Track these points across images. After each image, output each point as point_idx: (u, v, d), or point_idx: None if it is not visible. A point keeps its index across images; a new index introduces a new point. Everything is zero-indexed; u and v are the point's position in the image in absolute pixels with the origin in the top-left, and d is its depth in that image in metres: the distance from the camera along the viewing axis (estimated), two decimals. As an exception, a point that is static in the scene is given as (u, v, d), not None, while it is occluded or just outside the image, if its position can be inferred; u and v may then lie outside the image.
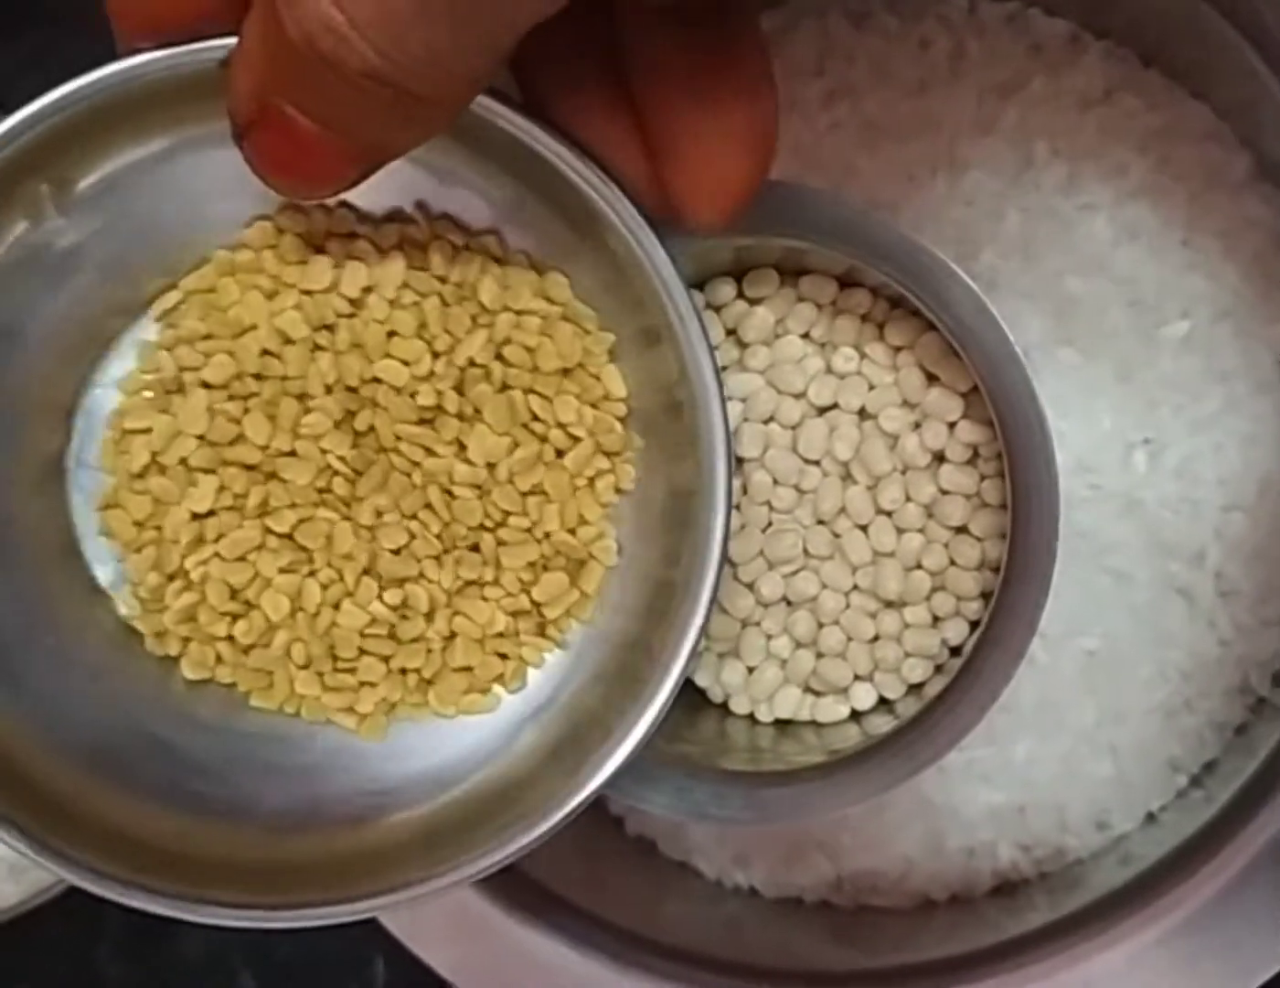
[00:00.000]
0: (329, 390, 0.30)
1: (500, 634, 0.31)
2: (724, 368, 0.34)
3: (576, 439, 0.30)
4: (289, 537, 0.30)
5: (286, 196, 0.27)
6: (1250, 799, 0.39)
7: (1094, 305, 0.40)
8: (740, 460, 0.34)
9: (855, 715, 0.35)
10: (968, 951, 0.39)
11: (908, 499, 0.33)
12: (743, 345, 0.34)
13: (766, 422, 0.34)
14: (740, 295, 0.34)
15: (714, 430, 0.29)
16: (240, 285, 0.30)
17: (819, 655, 0.34)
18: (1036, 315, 0.40)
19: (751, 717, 0.35)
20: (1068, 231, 0.40)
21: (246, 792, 0.31)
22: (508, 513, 0.30)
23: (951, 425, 0.33)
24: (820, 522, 0.34)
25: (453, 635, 0.31)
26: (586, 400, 0.30)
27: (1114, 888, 0.39)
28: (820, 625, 0.34)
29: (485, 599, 0.31)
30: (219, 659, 0.31)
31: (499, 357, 0.30)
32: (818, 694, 0.35)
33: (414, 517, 0.30)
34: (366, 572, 0.30)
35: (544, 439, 0.30)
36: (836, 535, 0.34)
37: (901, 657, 0.34)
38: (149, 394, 0.30)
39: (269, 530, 0.30)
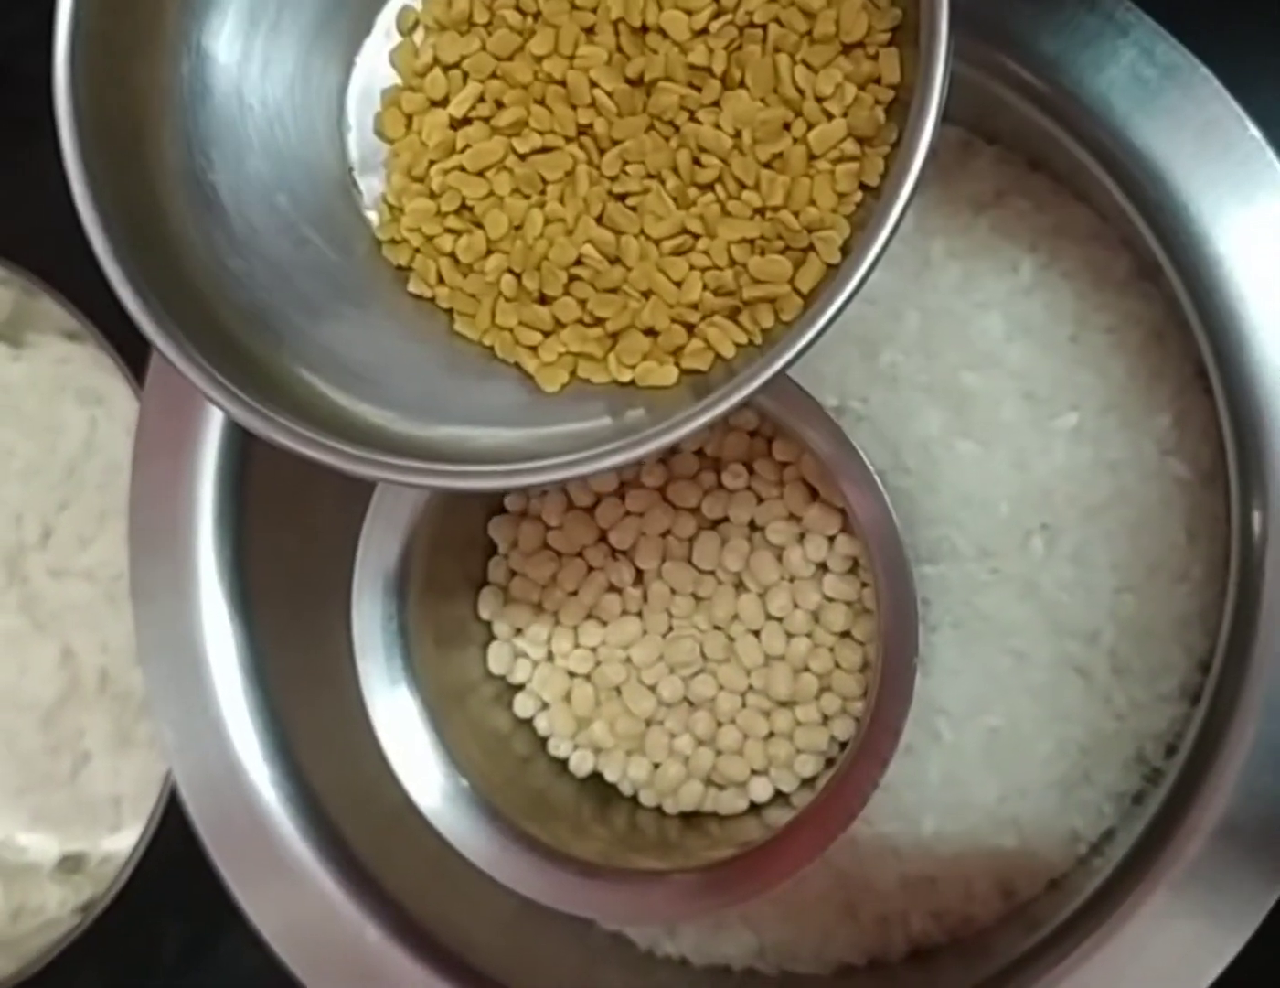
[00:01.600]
0: (614, 28, 0.31)
1: (694, 306, 0.31)
2: (623, 484, 0.36)
3: (830, 117, 0.30)
4: (530, 163, 0.31)
5: None
6: (1143, 857, 0.40)
7: (990, 398, 0.41)
8: (639, 572, 0.36)
9: (754, 808, 0.37)
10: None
11: (795, 606, 0.35)
12: (640, 463, 0.36)
13: (663, 535, 0.36)
14: (636, 415, 0.36)
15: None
16: None
17: (718, 752, 0.36)
18: (936, 408, 0.42)
19: (659, 810, 0.37)
20: (964, 328, 0.42)
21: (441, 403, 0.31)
22: (742, 185, 0.30)
23: (831, 538, 0.35)
24: (716, 627, 0.36)
25: (649, 293, 0.31)
26: (854, 80, 0.30)
27: (1020, 952, 0.41)
28: (719, 724, 0.36)
29: (692, 267, 0.31)
30: (440, 279, 0.32)
31: (778, 20, 0.30)
32: (720, 787, 0.37)
33: (656, 175, 0.31)
34: (591, 213, 0.31)
35: (798, 112, 0.30)
36: (731, 639, 0.36)
37: (794, 753, 0.36)
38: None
39: (513, 151, 0.31)
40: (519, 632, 0.39)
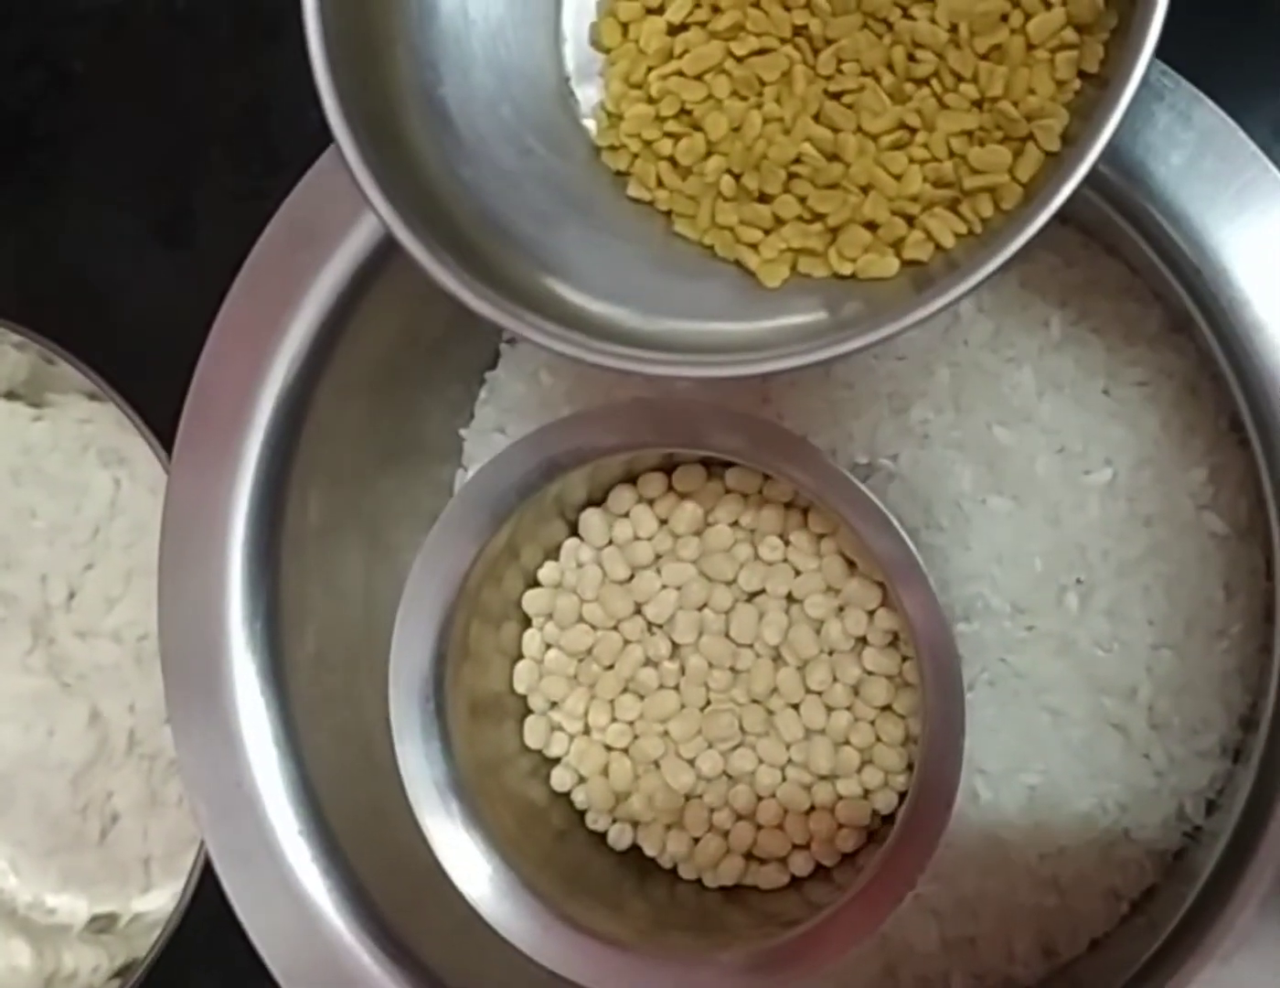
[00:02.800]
0: None
1: (914, 198, 0.31)
2: (659, 556, 0.36)
3: (1049, 6, 0.30)
4: (747, 65, 0.32)
5: None
6: (1195, 924, 0.40)
7: (1022, 454, 0.41)
8: (676, 646, 0.36)
9: (795, 882, 0.36)
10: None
11: (835, 680, 0.35)
12: (675, 536, 0.36)
13: (700, 608, 0.36)
14: (670, 489, 0.36)
15: None
16: None
17: (758, 827, 0.36)
18: (968, 465, 0.41)
19: (699, 883, 0.37)
20: (995, 384, 0.41)
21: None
22: (959, 77, 0.30)
23: (871, 612, 0.34)
24: (754, 700, 0.36)
25: (868, 188, 0.31)
26: None
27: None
28: (759, 798, 0.36)
29: (911, 160, 0.31)
30: (659, 182, 0.33)
31: None
32: (761, 861, 0.37)
33: (871, 73, 0.31)
34: (809, 112, 0.31)
35: (1016, 3, 0.30)
36: (770, 713, 0.36)
37: (835, 828, 0.36)
38: None
39: (731, 54, 0.32)
40: (555, 705, 0.39)
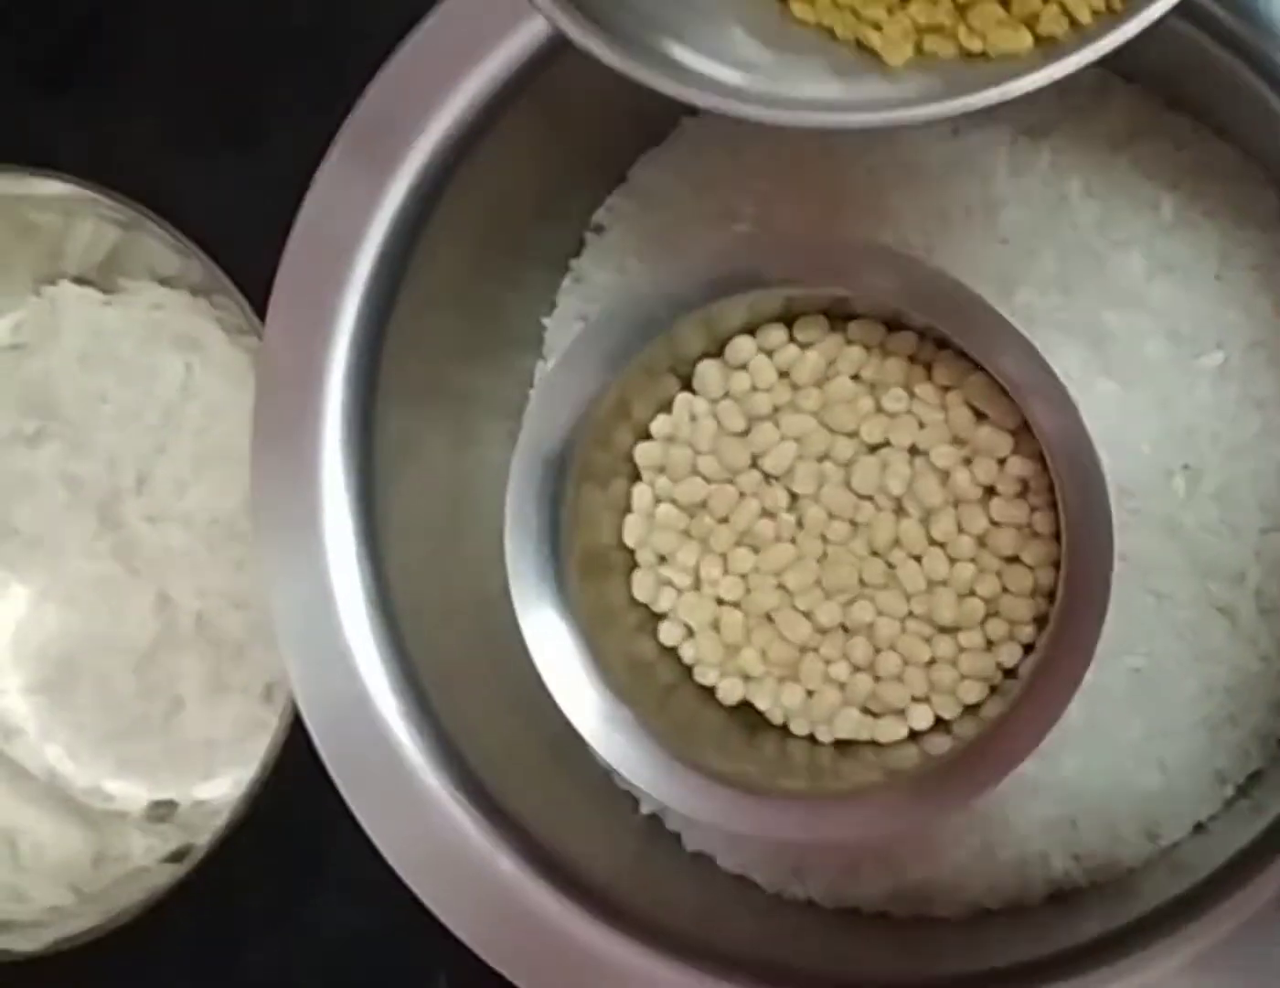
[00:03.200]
0: None
1: None
2: (777, 409, 0.36)
3: None
4: None
5: None
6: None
7: (1132, 337, 0.41)
8: (795, 496, 0.35)
9: (913, 735, 0.36)
10: (1025, 960, 0.40)
11: (960, 530, 0.35)
12: (795, 388, 0.36)
13: (820, 459, 0.35)
14: (791, 339, 0.36)
15: None
16: None
17: (877, 678, 0.36)
18: (1075, 347, 0.41)
19: (811, 737, 0.36)
20: (1103, 267, 0.41)
21: None
22: None
23: (1001, 461, 0.34)
24: (874, 553, 0.35)
25: None
26: None
27: (1167, 898, 0.40)
28: (877, 650, 0.35)
29: None
30: None
31: None
32: (876, 715, 0.36)
33: None
34: None
35: None
36: (891, 566, 0.35)
37: (958, 679, 0.35)
38: None
39: None
40: (663, 560, 0.38)
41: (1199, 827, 0.42)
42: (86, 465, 0.52)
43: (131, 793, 0.53)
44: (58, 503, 0.52)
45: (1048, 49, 0.29)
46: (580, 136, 0.44)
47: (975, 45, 0.29)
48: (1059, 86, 0.42)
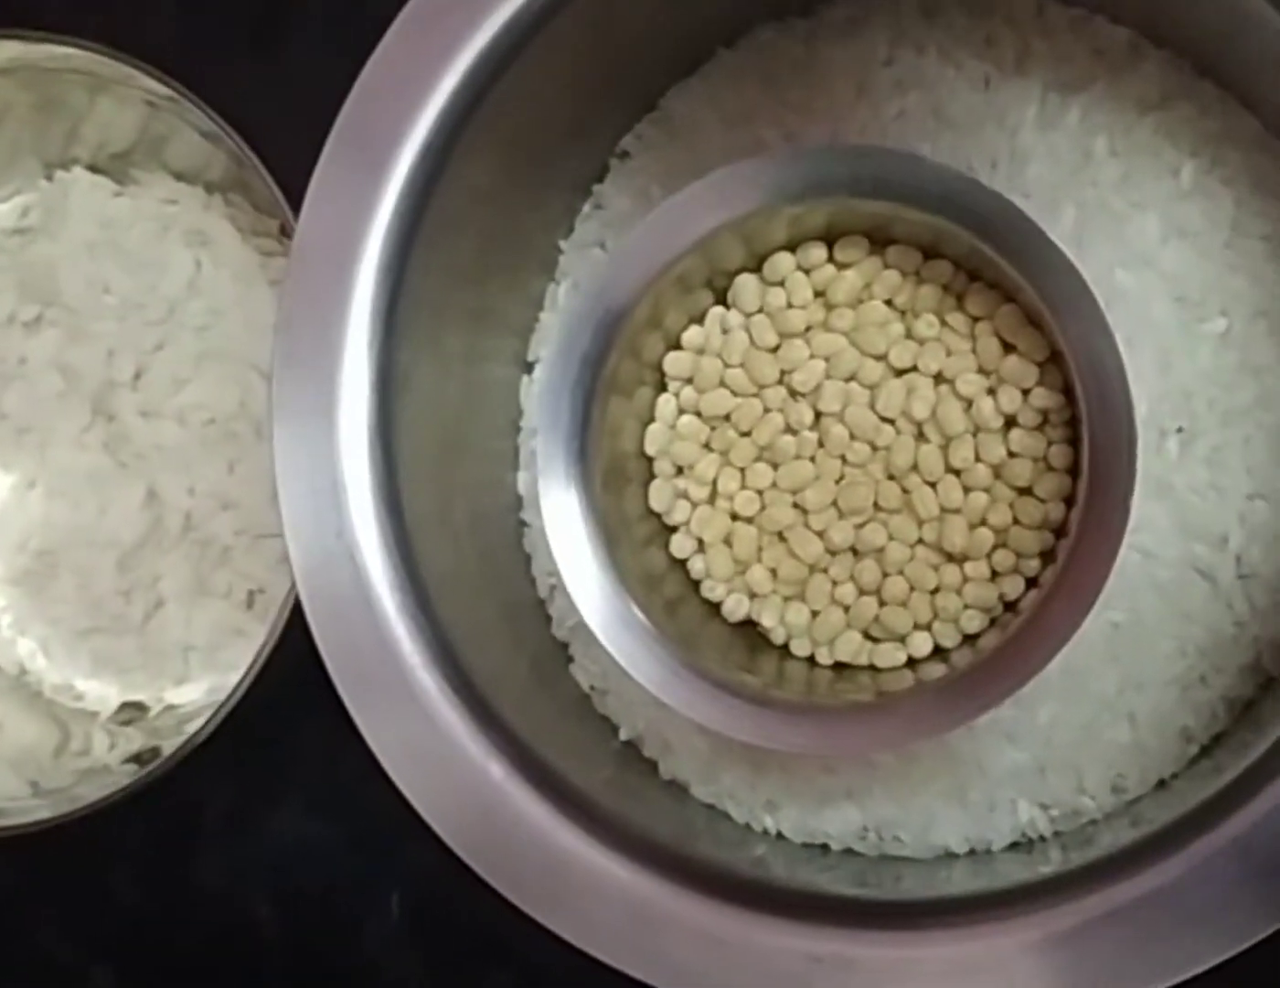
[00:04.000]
0: None
1: None
2: (809, 328, 0.36)
3: None
4: None
5: None
6: (1258, 775, 0.41)
7: (1140, 298, 0.42)
8: (819, 414, 0.36)
9: (910, 662, 0.37)
10: (980, 891, 0.41)
11: (977, 459, 0.35)
12: (830, 307, 0.36)
13: (847, 380, 0.36)
14: (830, 259, 0.36)
15: None
16: None
17: (882, 603, 0.36)
18: (1087, 300, 0.42)
19: (811, 659, 0.37)
20: (1120, 227, 0.42)
21: None
22: None
23: (1025, 392, 0.35)
24: (891, 477, 0.36)
25: None
26: None
27: (1123, 845, 0.41)
28: (885, 575, 0.36)
29: None
30: None
31: None
32: (876, 641, 0.37)
33: None
34: None
35: None
36: (906, 491, 0.36)
37: (961, 608, 0.36)
38: None
39: None
40: (682, 471, 0.39)
41: (1161, 783, 0.43)
42: (84, 355, 0.52)
43: (102, 693, 0.53)
44: (51, 391, 0.52)
45: None
46: (615, 61, 0.45)
47: None
48: (1093, 46, 0.43)
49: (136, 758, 0.51)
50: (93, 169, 0.52)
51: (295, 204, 0.45)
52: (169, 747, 0.50)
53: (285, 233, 0.51)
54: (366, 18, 0.52)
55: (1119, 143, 0.42)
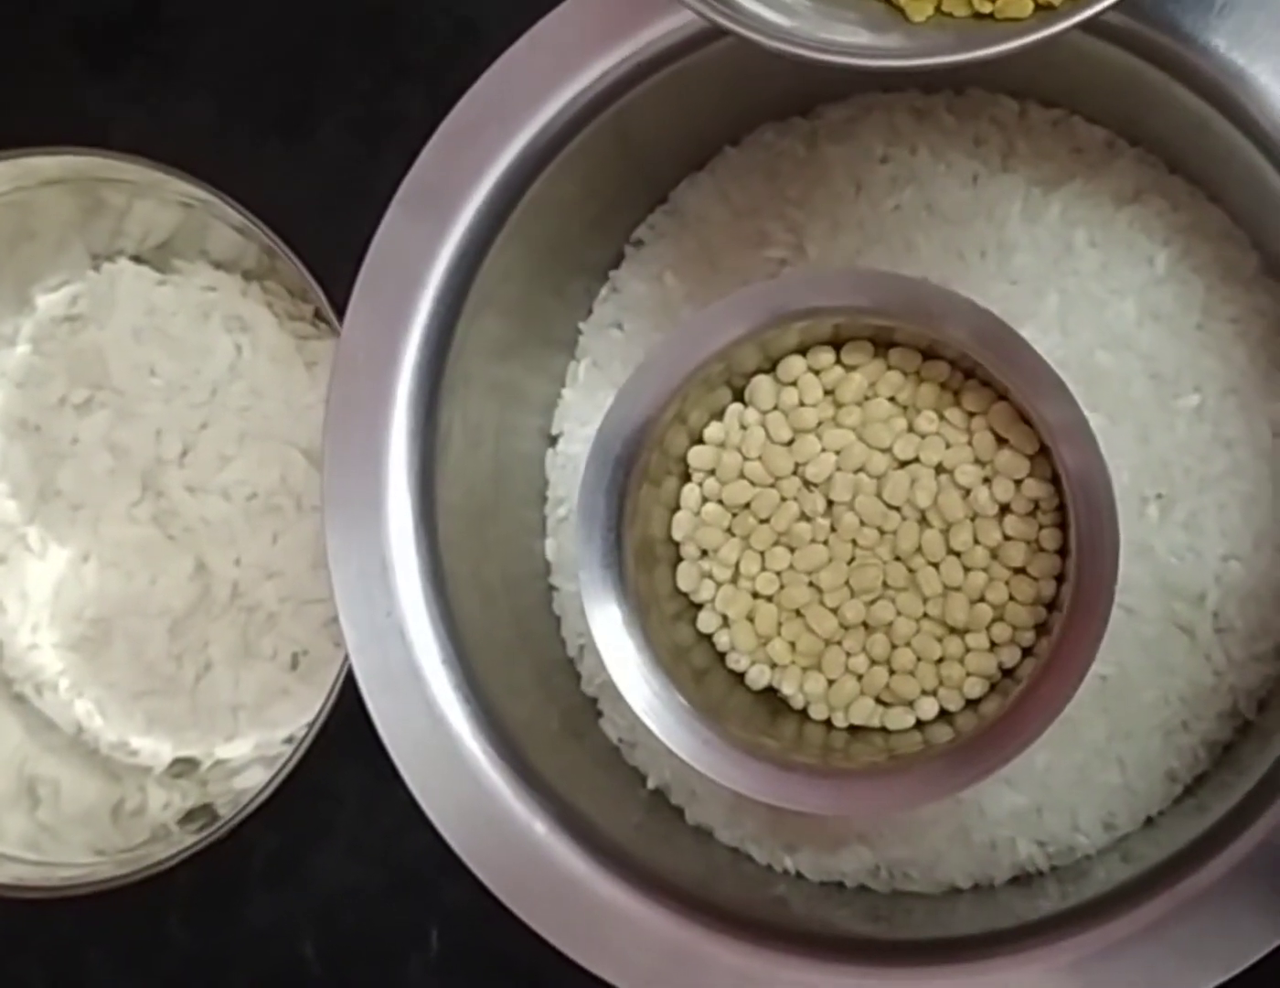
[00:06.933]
0: None
1: None
2: (820, 423, 0.40)
3: None
4: None
5: None
6: (1243, 814, 0.44)
7: (1120, 376, 0.45)
8: (831, 503, 0.40)
9: (919, 725, 0.40)
10: (987, 930, 0.45)
11: (976, 542, 0.39)
12: (838, 405, 0.40)
13: (856, 471, 0.40)
14: (838, 362, 0.40)
15: None
16: None
17: (891, 672, 0.40)
18: (1070, 384, 0.45)
19: (828, 722, 0.41)
20: (1100, 311, 0.46)
21: None
22: None
23: (1018, 482, 0.39)
24: (898, 558, 0.40)
25: None
26: None
27: (1117, 883, 0.45)
28: (894, 646, 0.40)
29: None
30: None
31: None
32: (887, 705, 0.41)
33: None
34: None
35: None
36: (912, 571, 0.40)
37: (964, 676, 0.40)
38: None
39: None
40: (706, 554, 0.42)
41: (1150, 820, 0.46)
42: (132, 434, 0.54)
43: (156, 749, 0.55)
44: (102, 468, 0.54)
45: (1045, 16, 0.34)
46: (631, 161, 0.48)
47: (985, 8, 0.34)
48: (1072, 145, 0.47)
49: (190, 815, 0.54)
50: (137, 259, 0.55)
51: (327, 289, 0.49)
52: (218, 797, 0.53)
53: (320, 317, 0.54)
54: (384, 113, 0.56)
55: (1097, 234, 0.46)
